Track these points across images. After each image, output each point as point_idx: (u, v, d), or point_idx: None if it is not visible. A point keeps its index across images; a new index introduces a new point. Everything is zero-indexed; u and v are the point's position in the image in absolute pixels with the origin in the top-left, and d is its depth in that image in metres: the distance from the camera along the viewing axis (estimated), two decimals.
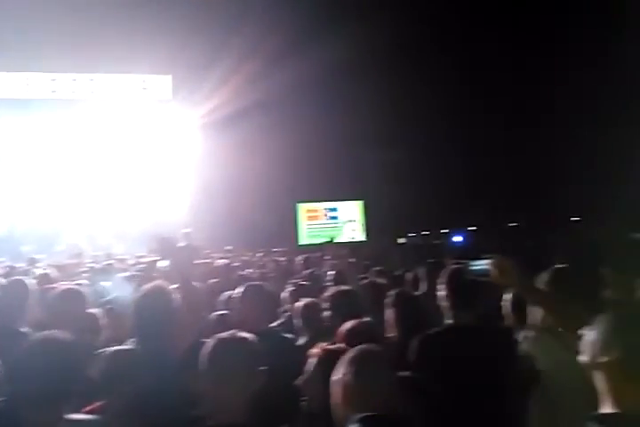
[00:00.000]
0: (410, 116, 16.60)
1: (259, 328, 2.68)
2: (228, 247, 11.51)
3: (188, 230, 7.34)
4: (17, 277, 3.61)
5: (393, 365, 2.23)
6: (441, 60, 16.51)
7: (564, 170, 16.28)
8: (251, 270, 6.39)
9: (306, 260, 6.21)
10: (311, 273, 5.08)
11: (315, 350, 2.04)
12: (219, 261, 7.85)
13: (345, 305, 2.82)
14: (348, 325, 2.39)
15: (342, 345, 2.03)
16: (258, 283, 3.20)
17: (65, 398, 1.74)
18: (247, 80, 15.72)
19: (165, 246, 2.59)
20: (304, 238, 16.70)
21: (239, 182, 15.74)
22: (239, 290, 2.86)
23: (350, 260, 5.69)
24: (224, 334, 1.80)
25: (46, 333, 1.93)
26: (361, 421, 1.45)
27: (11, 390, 1.77)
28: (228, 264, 6.85)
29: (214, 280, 5.58)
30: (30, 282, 3.34)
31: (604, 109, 15.37)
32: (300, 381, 2.02)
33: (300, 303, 3.06)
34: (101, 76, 16.96)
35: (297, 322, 3.00)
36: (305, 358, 2.05)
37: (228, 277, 5.94)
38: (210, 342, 1.76)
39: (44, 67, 15.97)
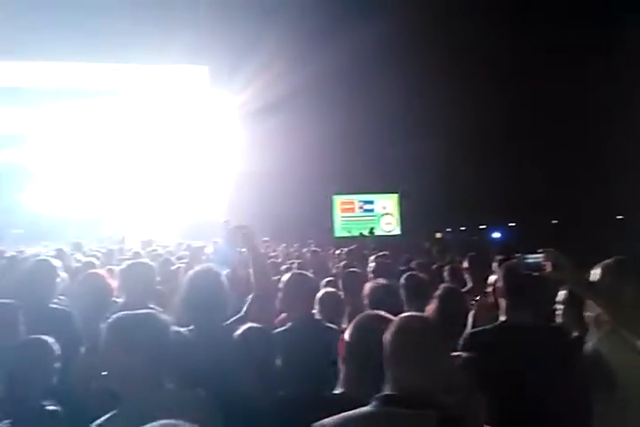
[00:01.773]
0: (450, 108, 16.27)
1: (302, 316, 2.69)
2: (265, 238, 11.57)
3: (226, 219, 7.35)
4: (43, 258, 3.74)
5: None
6: (482, 49, 16.06)
7: (609, 169, 15.70)
8: (289, 261, 6.39)
9: (349, 252, 6.14)
10: (348, 265, 5.05)
11: None
12: None
13: (382, 300, 2.79)
14: None
15: None
16: (303, 272, 3.20)
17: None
18: (282, 70, 15.68)
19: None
20: (339, 231, 16.70)
21: (275, 174, 15.78)
22: (285, 278, 2.88)
23: (385, 253, 5.64)
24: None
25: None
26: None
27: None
28: (265, 254, 6.89)
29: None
30: (57, 262, 3.50)
31: None
32: None
33: (319, 293, 3.05)
34: (140, 67, 17.32)
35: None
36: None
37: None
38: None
39: (89, 57, 16.42)
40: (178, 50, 15.34)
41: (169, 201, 16.59)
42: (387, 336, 1.49)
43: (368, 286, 3.04)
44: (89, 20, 14.33)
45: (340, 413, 1.45)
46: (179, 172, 17.20)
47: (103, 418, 1.62)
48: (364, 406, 1.44)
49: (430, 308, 3.04)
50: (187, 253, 6.86)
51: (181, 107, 17.29)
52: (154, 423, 1.14)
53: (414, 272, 4.06)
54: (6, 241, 12.49)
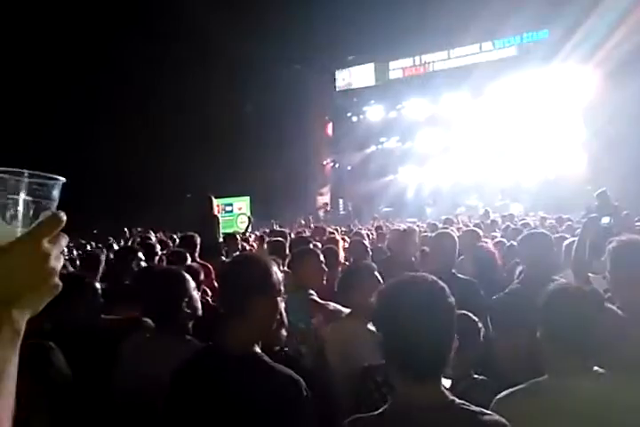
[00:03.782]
0: None
1: None
2: None
3: (603, 189, 6.41)
4: (444, 230, 3.83)
5: None
6: None
7: None
8: None
9: None
10: None
11: None
12: None
13: None
14: None
15: None
16: None
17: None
18: None
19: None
20: None
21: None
22: None
23: None
24: None
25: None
26: None
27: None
28: None
29: None
30: (456, 235, 3.57)
31: None
32: None
33: None
34: (490, 43, 17.65)
35: None
36: None
37: None
38: None
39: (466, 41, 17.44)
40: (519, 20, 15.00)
41: (525, 174, 15.92)
42: None
43: None
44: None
45: None
46: (535, 142, 16.28)
47: (515, 388, 1.61)
48: None
49: None
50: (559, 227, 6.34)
51: (534, 76, 16.40)
52: None
53: None
54: (377, 217, 14.28)
